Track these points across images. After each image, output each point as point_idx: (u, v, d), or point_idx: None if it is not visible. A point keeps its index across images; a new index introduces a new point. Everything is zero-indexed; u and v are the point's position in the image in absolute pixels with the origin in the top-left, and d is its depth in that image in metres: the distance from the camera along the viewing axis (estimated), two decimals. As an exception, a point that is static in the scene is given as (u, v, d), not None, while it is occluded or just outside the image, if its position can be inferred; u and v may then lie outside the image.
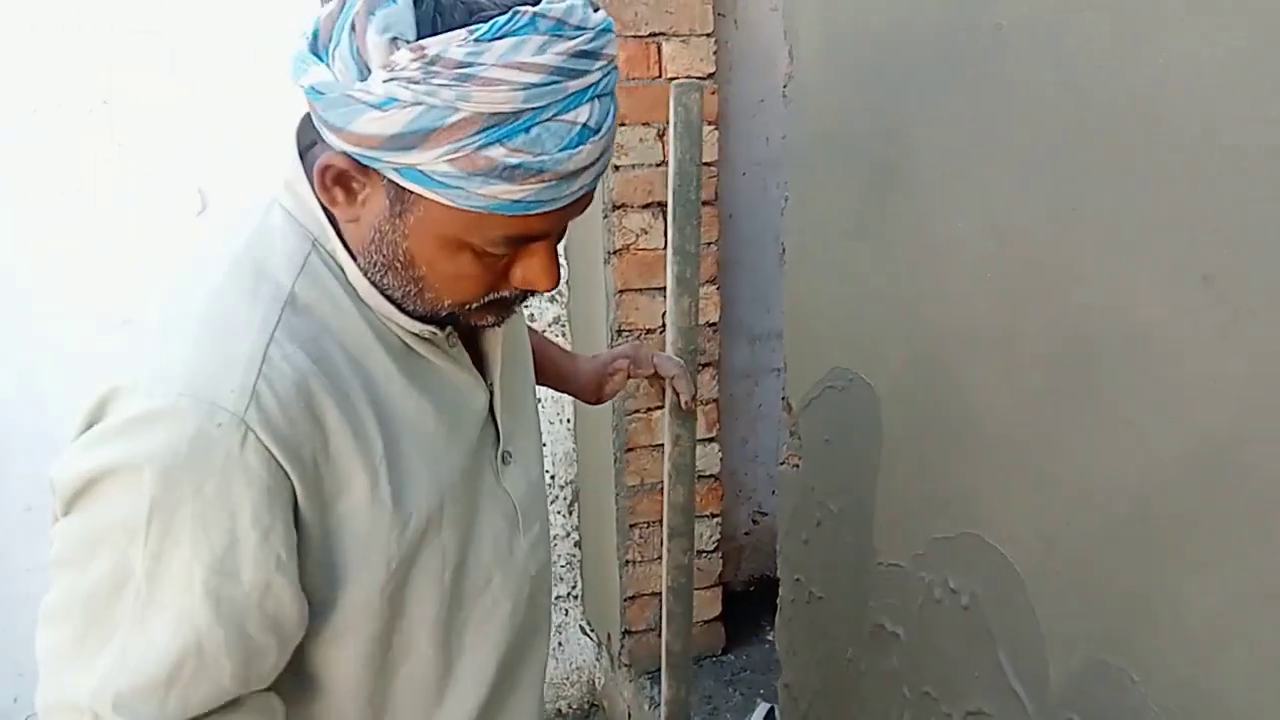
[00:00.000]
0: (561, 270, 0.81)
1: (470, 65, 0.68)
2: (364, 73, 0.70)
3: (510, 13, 0.69)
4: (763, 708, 2.19)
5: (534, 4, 0.71)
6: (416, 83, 0.68)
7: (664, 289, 2.30)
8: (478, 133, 0.69)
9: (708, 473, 2.46)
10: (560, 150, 0.72)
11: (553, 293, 2.20)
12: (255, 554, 0.73)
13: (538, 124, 0.70)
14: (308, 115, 0.79)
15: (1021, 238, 0.98)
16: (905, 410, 1.21)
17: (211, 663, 0.74)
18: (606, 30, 0.74)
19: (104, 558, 0.72)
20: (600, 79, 0.73)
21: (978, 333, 1.06)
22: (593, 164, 0.75)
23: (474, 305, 0.82)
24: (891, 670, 1.28)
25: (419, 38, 0.69)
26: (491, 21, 0.68)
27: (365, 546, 0.80)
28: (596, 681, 2.87)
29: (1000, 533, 1.05)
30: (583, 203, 0.80)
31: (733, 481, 2.72)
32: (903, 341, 1.19)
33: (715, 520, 2.50)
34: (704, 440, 2.44)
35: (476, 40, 0.68)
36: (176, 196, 2.22)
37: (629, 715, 2.55)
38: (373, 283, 0.80)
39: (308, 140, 0.82)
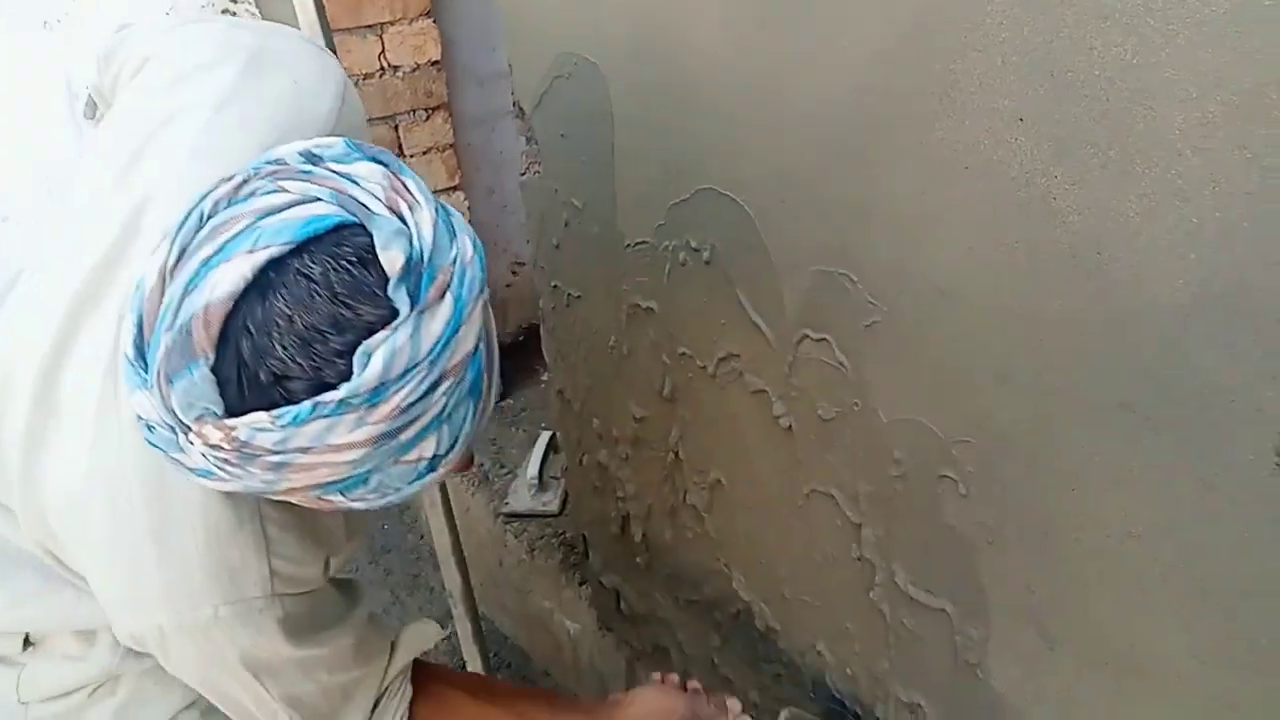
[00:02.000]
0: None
1: (282, 453, 0.61)
2: (177, 430, 0.64)
3: (313, 403, 0.60)
4: (545, 435, 2.28)
5: (345, 375, 0.61)
6: (232, 464, 0.63)
7: (377, 26, 2.13)
8: (311, 489, 0.66)
9: (457, 222, 2.41)
10: (409, 484, 0.70)
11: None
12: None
13: (378, 473, 0.67)
14: None
15: None
16: (632, 82, 1.21)
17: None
18: (445, 346, 0.64)
19: None
20: (446, 403, 0.66)
21: (689, -21, 1.05)
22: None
23: None
24: (650, 343, 1.35)
25: (226, 412, 0.62)
26: (295, 411, 0.60)
27: None
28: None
29: (731, 179, 1.09)
30: None
31: (485, 235, 2.68)
32: (623, 8, 1.17)
33: (473, 270, 2.48)
34: (447, 189, 2.37)
35: (283, 426, 0.60)
36: None
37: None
38: None
39: None
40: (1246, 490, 0.71)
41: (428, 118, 2.28)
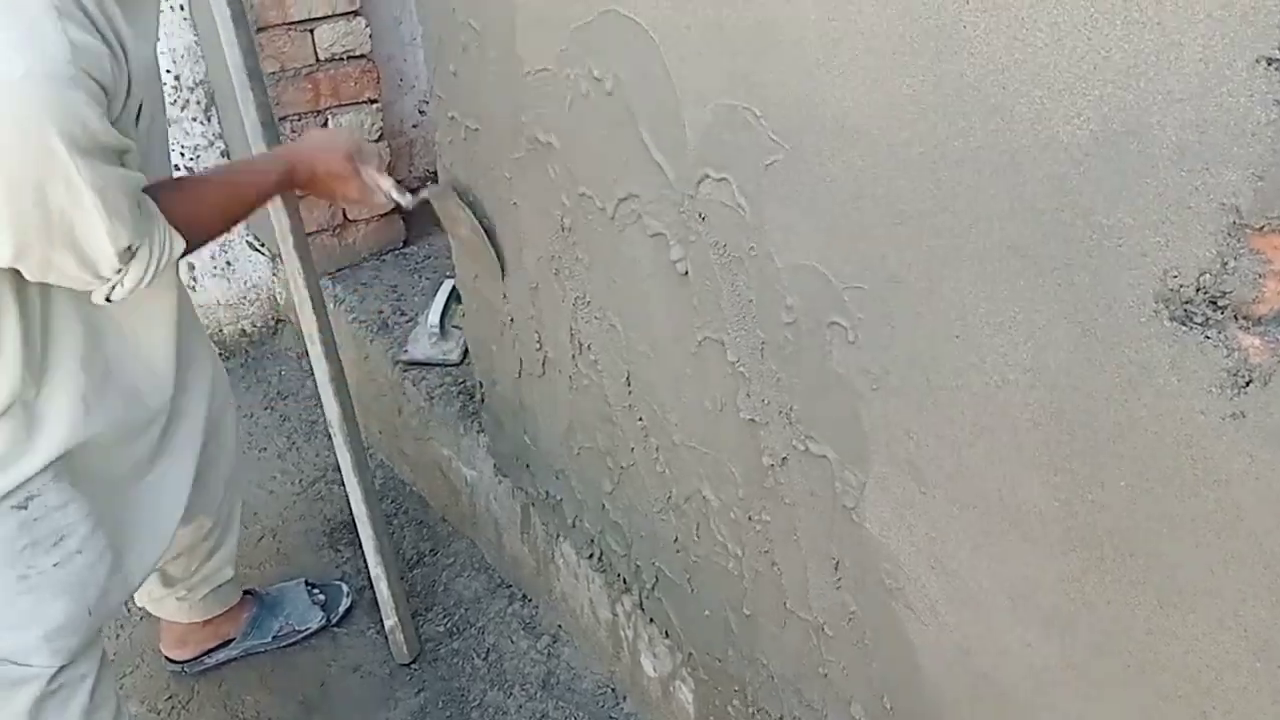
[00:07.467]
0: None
1: None
2: None
3: None
4: (447, 284, 2.22)
5: None
6: None
7: None
8: None
9: (358, 52, 2.25)
10: None
11: None
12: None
13: None
14: None
15: None
16: (535, -112, 1.11)
17: None
18: None
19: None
20: None
21: None
22: None
23: None
24: (549, 182, 1.29)
25: None
26: None
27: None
28: (277, 296, 2.78)
29: (635, 1, 1.02)
30: None
31: (391, 68, 2.53)
32: None
33: (375, 106, 2.34)
34: (346, 14, 2.21)
35: None
36: None
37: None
38: None
39: None
40: (1123, 335, 0.70)
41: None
